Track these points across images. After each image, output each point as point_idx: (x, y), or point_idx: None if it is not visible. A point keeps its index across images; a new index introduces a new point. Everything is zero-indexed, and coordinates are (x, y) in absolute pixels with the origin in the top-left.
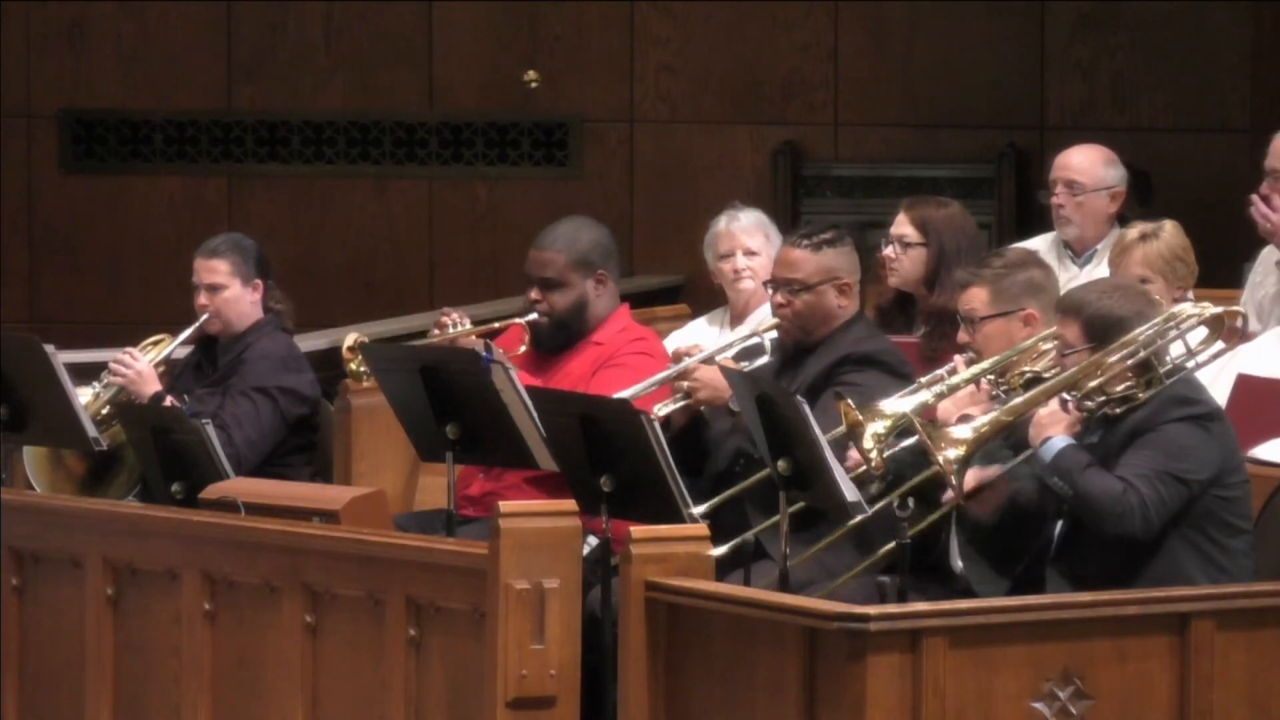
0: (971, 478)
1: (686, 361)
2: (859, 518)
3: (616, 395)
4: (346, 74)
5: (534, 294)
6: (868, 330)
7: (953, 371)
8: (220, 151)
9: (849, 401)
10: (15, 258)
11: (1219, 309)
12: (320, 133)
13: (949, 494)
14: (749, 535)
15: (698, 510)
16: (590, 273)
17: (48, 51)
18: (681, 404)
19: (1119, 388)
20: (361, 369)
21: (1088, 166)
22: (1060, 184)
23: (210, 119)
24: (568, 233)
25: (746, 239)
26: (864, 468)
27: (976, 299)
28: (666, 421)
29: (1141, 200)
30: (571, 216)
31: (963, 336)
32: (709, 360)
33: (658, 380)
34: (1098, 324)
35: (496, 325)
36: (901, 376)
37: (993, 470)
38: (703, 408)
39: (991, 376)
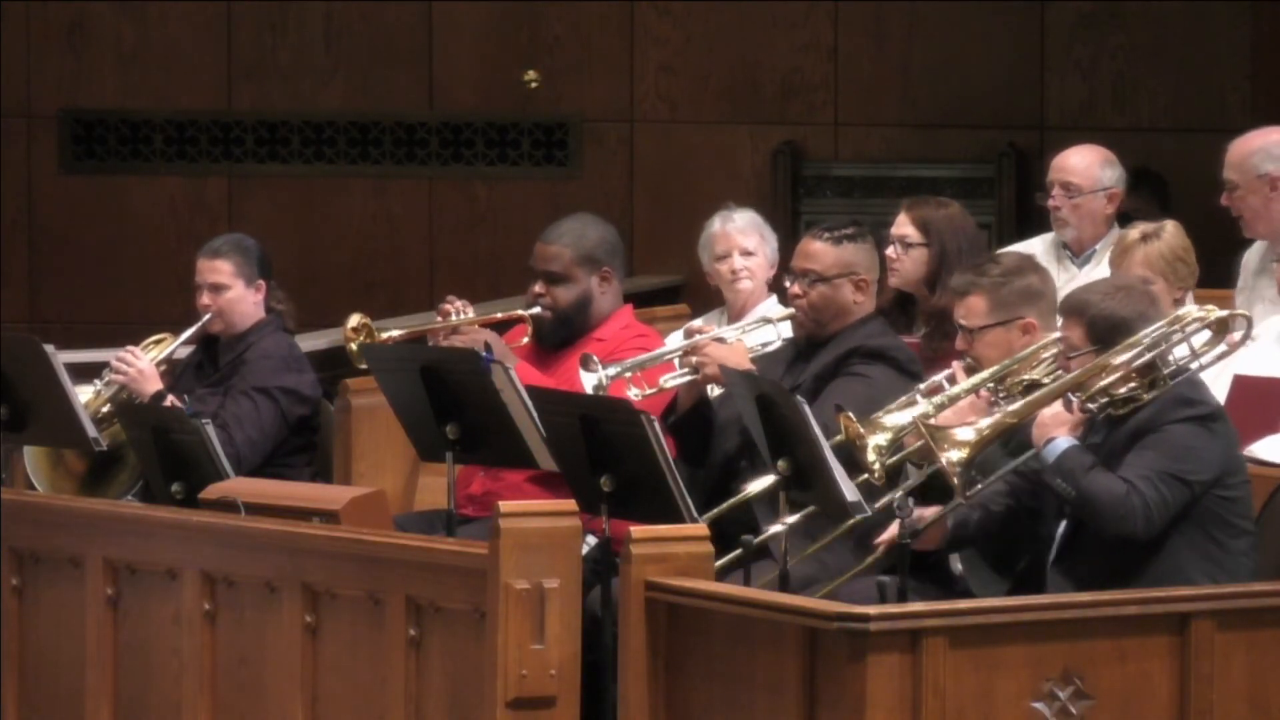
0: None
1: (697, 337)
2: (858, 517)
3: (628, 360)
4: (346, 74)
5: (538, 288)
6: (881, 328)
7: (952, 380)
8: (220, 151)
9: (849, 414)
10: (15, 258)
11: (1224, 312)
12: (320, 133)
13: (887, 533)
14: (751, 541)
15: (703, 517)
16: (595, 269)
17: (48, 51)
18: (689, 378)
19: (1123, 389)
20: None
21: (1084, 168)
22: (1057, 186)
23: (210, 119)
24: (575, 228)
25: (743, 239)
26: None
27: (974, 308)
28: (672, 405)
29: (1161, 205)
30: (579, 213)
31: (961, 344)
32: (719, 339)
33: (667, 352)
34: (1101, 325)
35: (499, 316)
36: (910, 374)
37: (930, 511)
38: (710, 389)
39: (991, 385)
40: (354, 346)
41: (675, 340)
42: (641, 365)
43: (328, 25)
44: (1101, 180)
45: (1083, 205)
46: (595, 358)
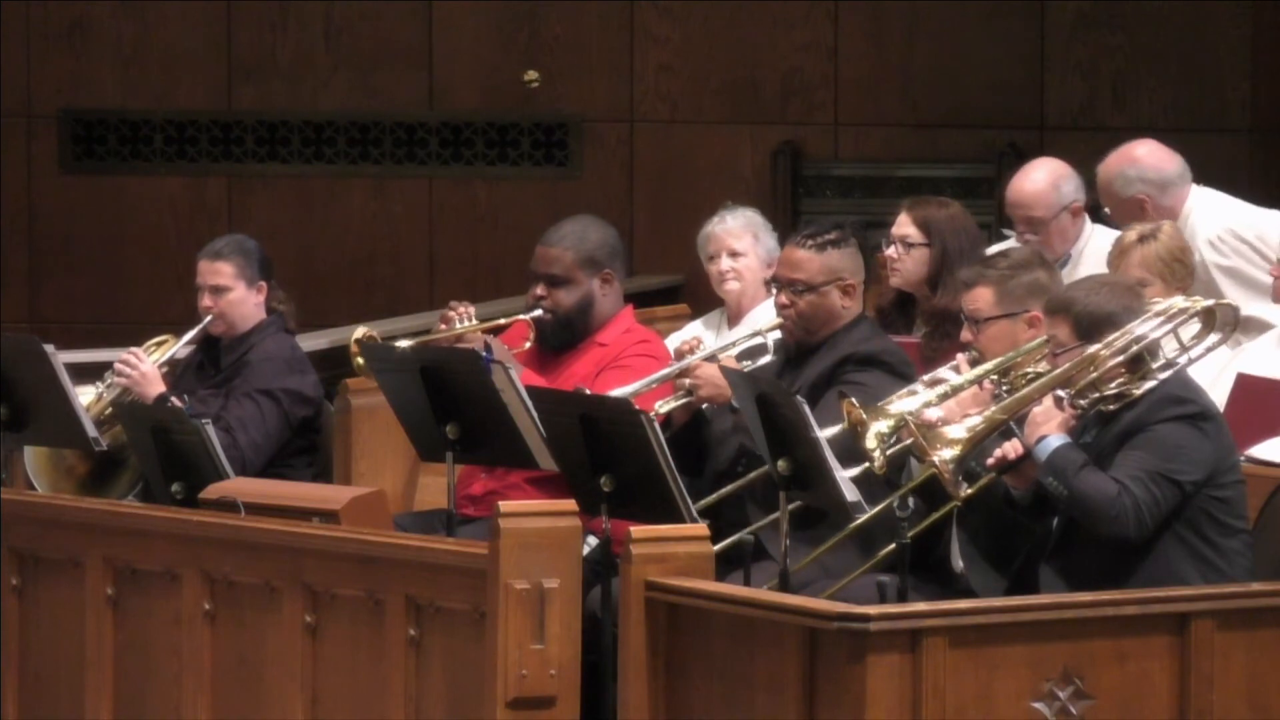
0: (1011, 449)
1: (689, 359)
2: (859, 518)
3: (618, 391)
4: (346, 74)
5: (539, 290)
6: (871, 330)
7: (956, 371)
8: (220, 151)
9: (852, 400)
10: (15, 258)
11: (1210, 301)
12: (320, 133)
13: (1000, 453)
14: (747, 535)
15: (695, 507)
16: (596, 271)
17: (48, 51)
18: (683, 401)
19: (1113, 384)
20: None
21: (1039, 198)
22: (1020, 222)
23: (210, 119)
24: (575, 231)
25: (732, 241)
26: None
27: (981, 299)
28: (667, 420)
29: None
30: (579, 215)
31: (966, 336)
32: (711, 358)
33: (659, 377)
34: (1086, 321)
35: (502, 321)
36: (904, 377)
37: (1011, 445)
38: (704, 406)
39: (995, 377)
40: (360, 360)
41: (673, 344)
42: (634, 393)
43: (328, 25)
44: (1059, 202)
45: (1051, 230)
46: (585, 390)
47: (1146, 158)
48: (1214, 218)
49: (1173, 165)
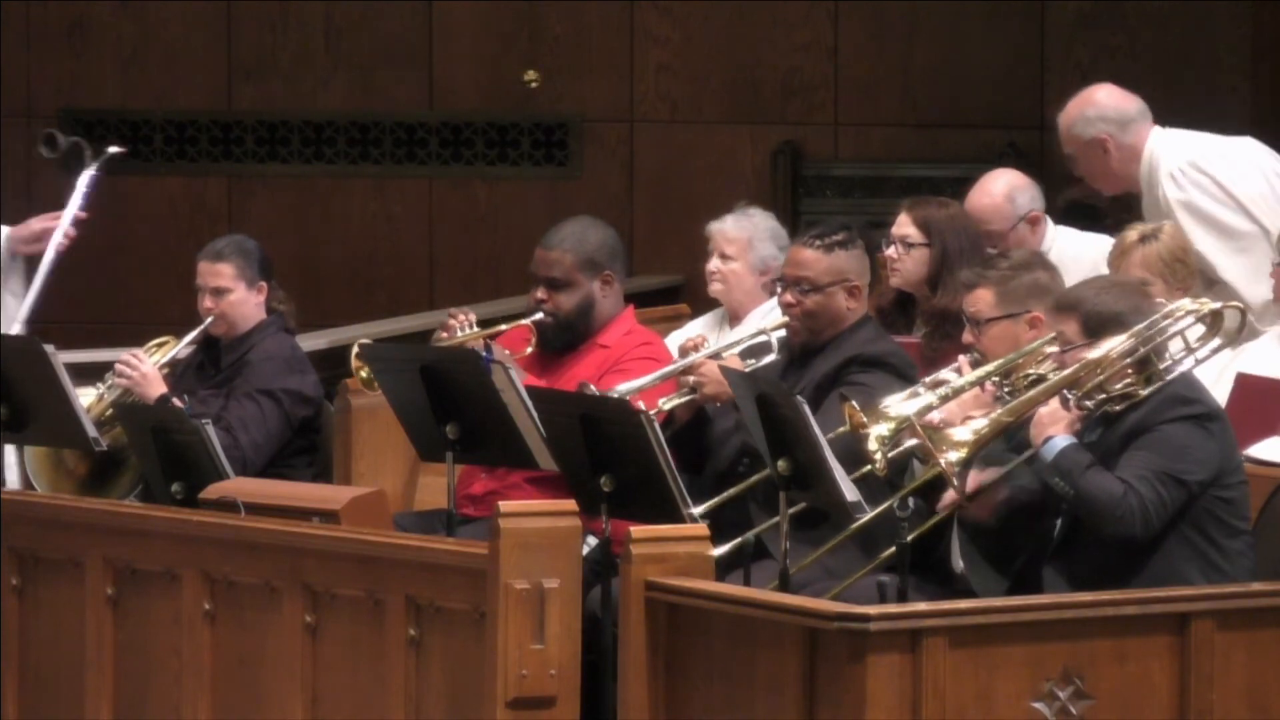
0: (970, 480)
1: (693, 356)
2: (860, 519)
3: (621, 387)
4: (346, 74)
5: (540, 293)
6: (875, 332)
7: (958, 373)
8: (220, 151)
9: (853, 403)
10: None
11: (1217, 304)
12: (320, 133)
13: (947, 497)
14: (749, 536)
15: (697, 510)
16: (597, 273)
17: (48, 51)
18: (686, 399)
19: (1118, 385)
20: (373, 376)
21: (995, 211)
22: (982, 234)
23: (210, 119)
24: (575, 232)
25: (725, 243)
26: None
27: (982, 300)
28: (669, 418)
29: None
30: (578, 216)
31: (968, 337)
32: (715, 356)
33: (663, 374)
34: (1094, 320)
35: (503, 328)
36: (908, 379)
37: (990, 473)
38: (707, 404)
39: (997, 379)
40: (364, 374)
41: (674, 343)
42: (638, 390)
43: (328, 25)
44: (1014, 215)
45: (1009, 243)
46: (590, 385)
47: (1105, 99)
48: (1176, 151)
49: (1132, 104)
